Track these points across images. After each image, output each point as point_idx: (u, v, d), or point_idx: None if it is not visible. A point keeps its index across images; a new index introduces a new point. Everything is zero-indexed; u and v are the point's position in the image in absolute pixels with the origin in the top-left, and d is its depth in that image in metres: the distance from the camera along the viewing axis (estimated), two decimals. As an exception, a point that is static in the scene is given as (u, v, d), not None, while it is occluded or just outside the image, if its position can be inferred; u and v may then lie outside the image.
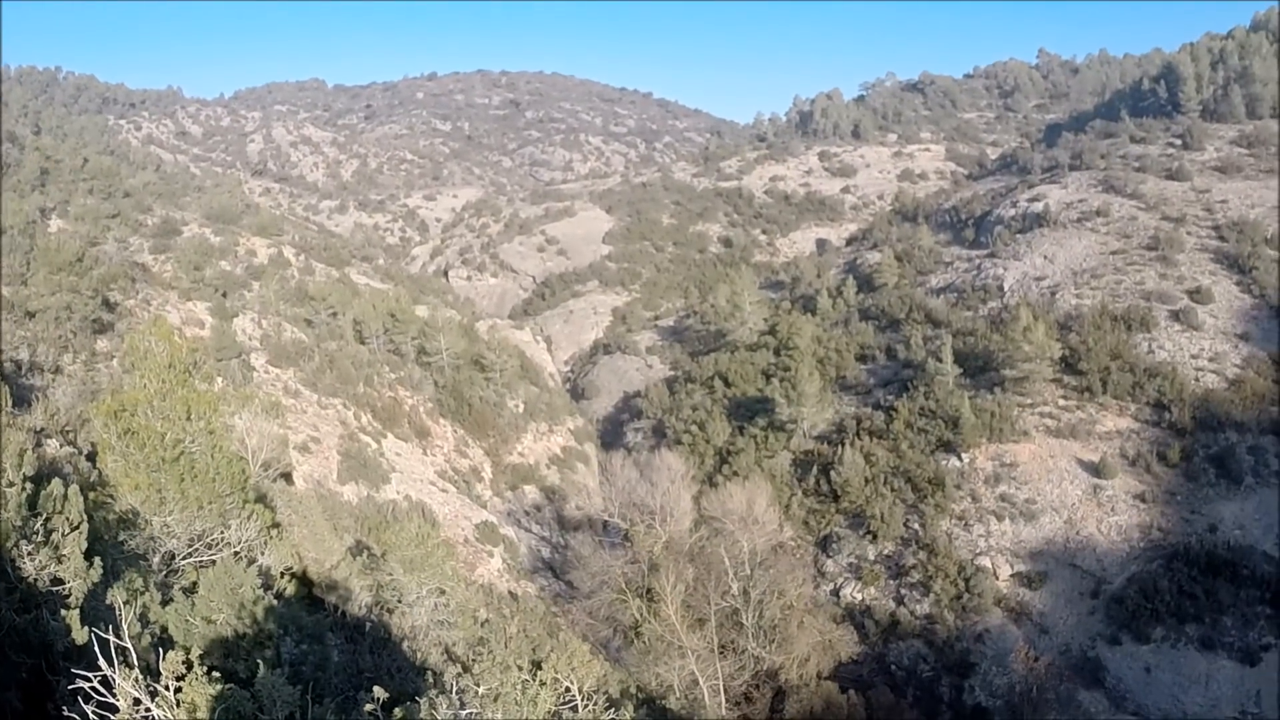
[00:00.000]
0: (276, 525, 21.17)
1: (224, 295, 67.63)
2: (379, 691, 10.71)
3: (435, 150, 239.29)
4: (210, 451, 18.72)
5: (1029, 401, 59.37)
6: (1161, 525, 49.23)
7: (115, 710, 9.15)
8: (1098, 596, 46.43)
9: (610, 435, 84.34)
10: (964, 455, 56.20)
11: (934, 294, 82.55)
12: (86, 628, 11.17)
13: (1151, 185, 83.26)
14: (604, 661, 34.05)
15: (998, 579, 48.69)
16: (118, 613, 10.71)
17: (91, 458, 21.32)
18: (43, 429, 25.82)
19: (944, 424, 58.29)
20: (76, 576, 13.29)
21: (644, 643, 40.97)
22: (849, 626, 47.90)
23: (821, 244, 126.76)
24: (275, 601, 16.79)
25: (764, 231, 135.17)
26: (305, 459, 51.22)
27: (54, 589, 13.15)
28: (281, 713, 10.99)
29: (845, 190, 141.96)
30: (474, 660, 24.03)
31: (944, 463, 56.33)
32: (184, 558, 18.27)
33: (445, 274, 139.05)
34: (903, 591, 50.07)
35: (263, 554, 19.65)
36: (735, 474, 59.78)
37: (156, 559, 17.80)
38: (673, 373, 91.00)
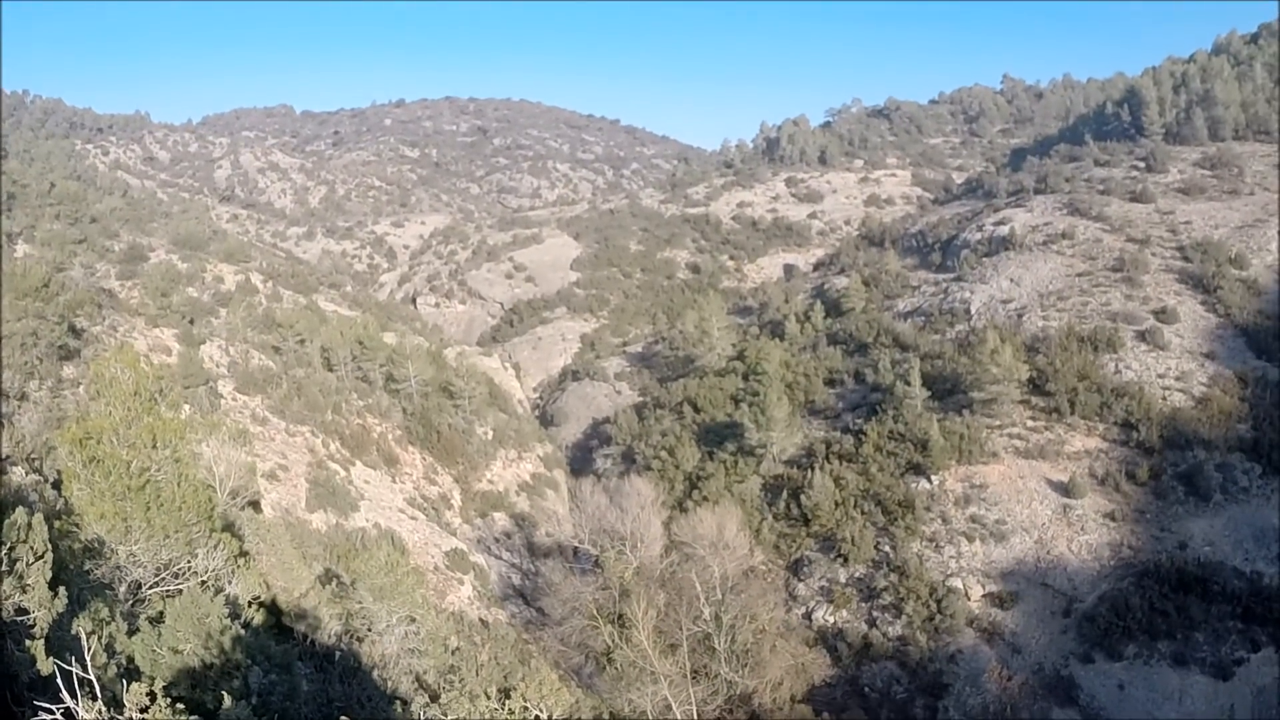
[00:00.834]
0: (244, 554, 20.97)
1: (191, 322, 67.07)
2: (349, 720, 10.58)
3: (403, 177, 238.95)
4: (177, 480, 18.55)
5: (998, 423, 59.69)
6: (1132, 543, 49.53)
7: (81, 742, 8.99)
8: (1070, 615, 46.60)
9: (580, 462, 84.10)
10: (934, 477, 56.39)
11: (901, 318, 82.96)
12: (51, 658, 11.00)
13: (1116, 207, 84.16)
14: (576, 688, 33.87)
15: (969, 600, 48.78)
16: (83, 643, 10.54)
17: (57, 485, 21.06)
18: (7, 456, 25.52)
19: (913, 447, 58.49)
20: (41, 606, 13.10)
21: (616, 669, 40.78)
22: (821, 649, 47.92)
23: (789, 269, 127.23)
24: (243, 631, 16.62)
25: (732, 257, 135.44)
26: (273, 487, 50.77)
27: (18, 619, 12.94)
28: (251, 743, 10.84)
29: (812, 216, 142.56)
30: (444, 689, 23.83)
31: (914, 485, 56.49)
32: (150, 587, 18.05)
33: (413, 301, 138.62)
34: (875, 614, 50.05)
35: (230, 583, 19.46)
36: (705, 499, 59.75)
37: (123, 588, 17.59)
38: (642, 399, 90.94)
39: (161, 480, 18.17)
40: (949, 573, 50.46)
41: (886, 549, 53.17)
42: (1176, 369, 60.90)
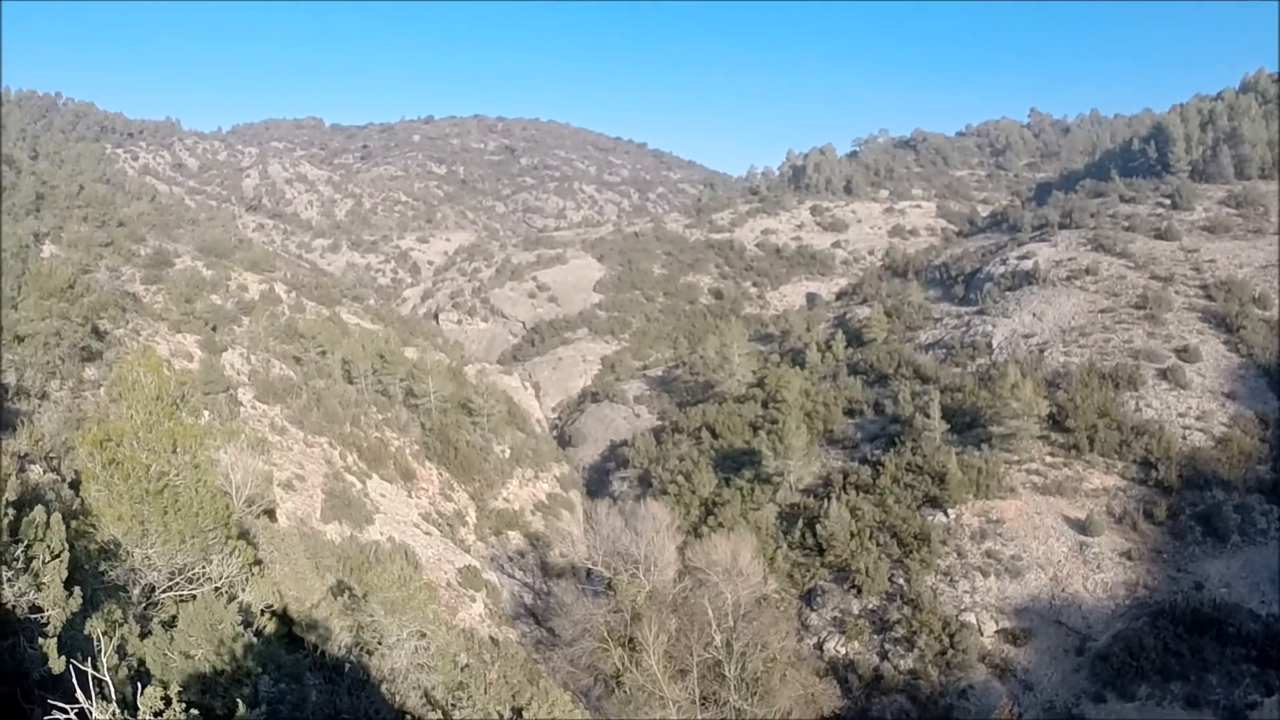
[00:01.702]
0: (258, 562, 20.99)
1: (214, 329, 67.44)
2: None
3: (429, 193, 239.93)
4: (194, 485, 18.58)
5: (1016, 458, 59.40)
6: (1147, 583, 49.16)
7: (90, 742, 8.99)
8: (1083, 654, 46.21)
9: (596, 483, 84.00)
10: (950, 511, 56.10)
11: (923, 350, 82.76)
12: (64, 657, 11.02)
13: (1140, 244, 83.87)
14: (584, 710, 33.70)
15: (982, 635, 48.44)
16: (96, 644, 10.56)
17: (75, 486, 21.15)
18: (27, 454, 25.64)
19: (931, 479, 58.22)
20: (55, 605, 13.14)
21: (625, 692, 40.57)
22: (832, 680, 47.55)
23: (812, 298, 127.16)
24: (254, 639, 16.61)
25: (754, 284, 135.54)
26: (289, 496, 50.88)
27: (32, 616, 12.98)
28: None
29: (836, 245, 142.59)
30: (453, 705, 23.77)
31: (930, 518, 56.20)
32: (164, 591, 18.08)
33: (435, 317, 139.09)
34: (887, 646, 49.75)
35: (243, 590, 19.46)
36: (720, 525, 59.55)
37: (136, 591, 17.62)
38: (660, 423, 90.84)
39: (179, 485, 18.21)
40: (963, 607, 50.14)
41: (900, 581, 52.88)
42: (1197, 408, 60.54)
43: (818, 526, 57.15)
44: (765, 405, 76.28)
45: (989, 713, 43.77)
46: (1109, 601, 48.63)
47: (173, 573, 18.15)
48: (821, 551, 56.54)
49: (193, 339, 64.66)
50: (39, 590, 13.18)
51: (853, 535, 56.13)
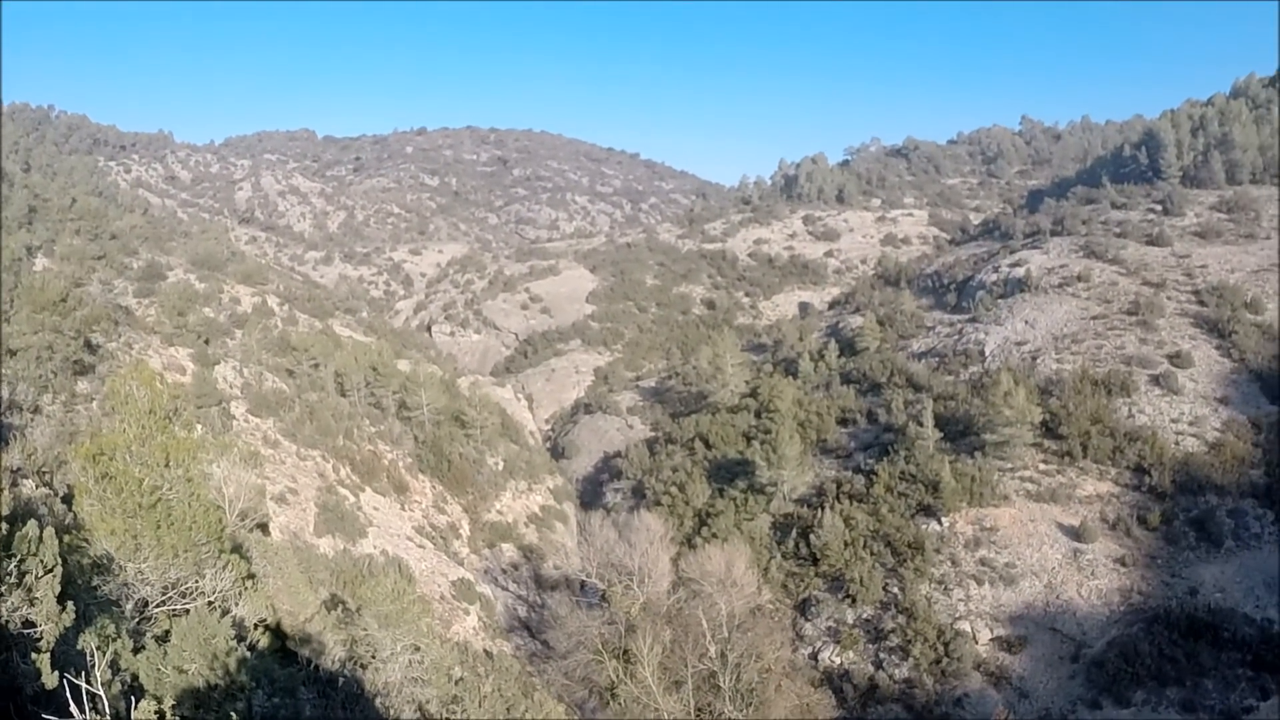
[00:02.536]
0: (251, 576, 20.96)
1: (206, 342, 67.37)
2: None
3: (422, 205, 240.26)
4: (188, 499, 18.57)
5: (1009, 466, 59.45)
6: (1142, 589, 49.20)
7: (84, 757, 8.98)
8: (1078, 660, 46.22)
9: (590, 495, 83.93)
10: (944, 519, 56.14)
11: (915, 358, 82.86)
12: (57, 672, 11.01)
13: (1132, 250, 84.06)
14: (579, 722, 33.68)
15: (977, 643, 48.44)
16: (89, 658, 10.56)
17: (68, 500, 21.12)
18: (19, 469, 25.59)
19: (924, 488, 58.24)
20: (49, 620, 13.11)
21: (620, 704, 40.54)
22: (827, 690, 47.54)
23: (804, 307, 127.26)
24: (248, 653, 16.61)
25: (747, 294, 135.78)
26: (282, 510, 50.81)
27: (25, 631, 12.96)
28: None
29: (829, 254, 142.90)
30: (447, 719, 23.70)
31: (924, 526, 56.22)
32: (157, 605, 18.05)
33: (429, 329, 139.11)
34: (882, 655, 49.74)
35: (237, 604, 19.44)
36: (714, 536, 59.49)
37: (130, 606, 17.59)
38: (653, 433, 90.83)
39: (172, 499, 18.20)
40: (957, 615, 50.15)
41: (895, 590, 52.88)
42: (1190, 414, 60.65)
43: (812, 536, 57.15)
44: (758, 415, 76.31)
45: (984, 721, 43.80)
46: (1104, 608, 48.66)
47: (166, 587, 18.13)
48: (816, 561, 56.52)
49: (185, 352, 64.60)
50: (32, 605, 13.16)
51: (847, 544, 56.12)
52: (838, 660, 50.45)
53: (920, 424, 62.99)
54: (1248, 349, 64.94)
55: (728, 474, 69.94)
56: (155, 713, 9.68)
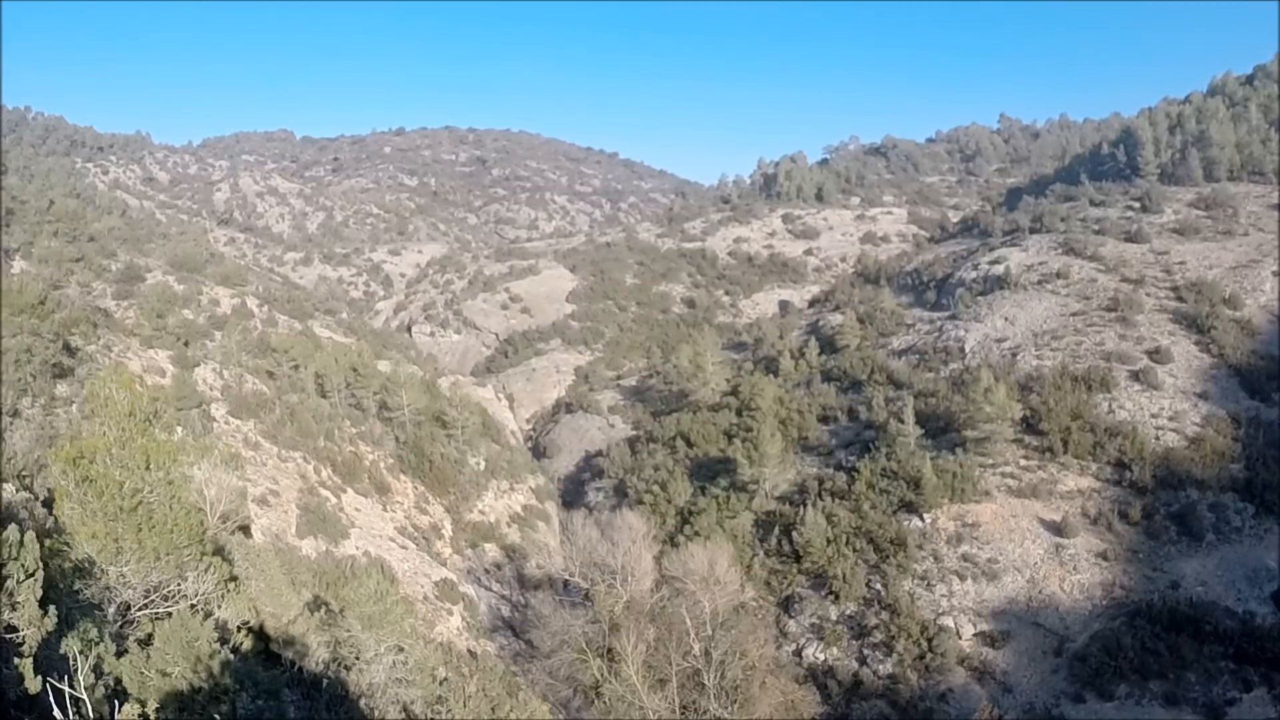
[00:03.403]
0: (234, 578, 20.88)
1: (186, 344, 67.01)
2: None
3: (401, 205, 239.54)
4: (169, 502, 18.48)
5: (990, 462, 59.69)
6: (1124, 583, 49.50)
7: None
8: (1061, 655, 46.44)
9: (572, 494, 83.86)
10: (926, 516, 56.31)
11: (896, 355, 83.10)
12: (40, 677, 10.93)
13: (1111, 247, 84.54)
14: (564, 721, 33.66)
15: (960, 638, 48.62)
16: (72, 663, 10.48)
17: (48, 504, 20.97)
18: (-2, 474, 25.40)
19: (906, 484, 58.39)
20: (30, 625, 13.02)
21: (604, 703, 40.53)
22: (812, 687, 47.59)
23: (784, 305, 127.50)
24: (232, 656, 16.53)
25: (727, 293, 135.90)
26: (264, 512, 50.55)
27: (7, 636, 12.86)
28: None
29: (808, 252, 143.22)
30: (432, 719, 23.64)
31: (906, 523, 56.38)
32: (140, 609, 17.95)
33: (409, 329, 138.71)
34: (865, 652, 49.87)
35: (220, 607, 19.36)
36: (697, 534, 59.50)
37: (112, 609, 17.49)
38: (635, 432, 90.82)
39: (154, 502, 18.10)
40: (940, 611, 50.31)
41: (878, 587, 53.01)
42: (1170, 409, 61.03)
43: (794, 533, 57.23)
44: (739, 413, 76.36)
45: (969, 715, 43.94)
46: (1086, 602, 48.92)
47: (148, 590, 18.04)
48: (798, 558, 56.59)
49: (165, 354, 64.23)
50: (13, 610, 13.06)
51: (829, 542, 56.21)
52: (822, 657, 50.55)
53: (901, 421, 63.16)
54: (1226, 344, 65.44)
55: (709, 472, 69.98)
56: (139, 716, 9.61)
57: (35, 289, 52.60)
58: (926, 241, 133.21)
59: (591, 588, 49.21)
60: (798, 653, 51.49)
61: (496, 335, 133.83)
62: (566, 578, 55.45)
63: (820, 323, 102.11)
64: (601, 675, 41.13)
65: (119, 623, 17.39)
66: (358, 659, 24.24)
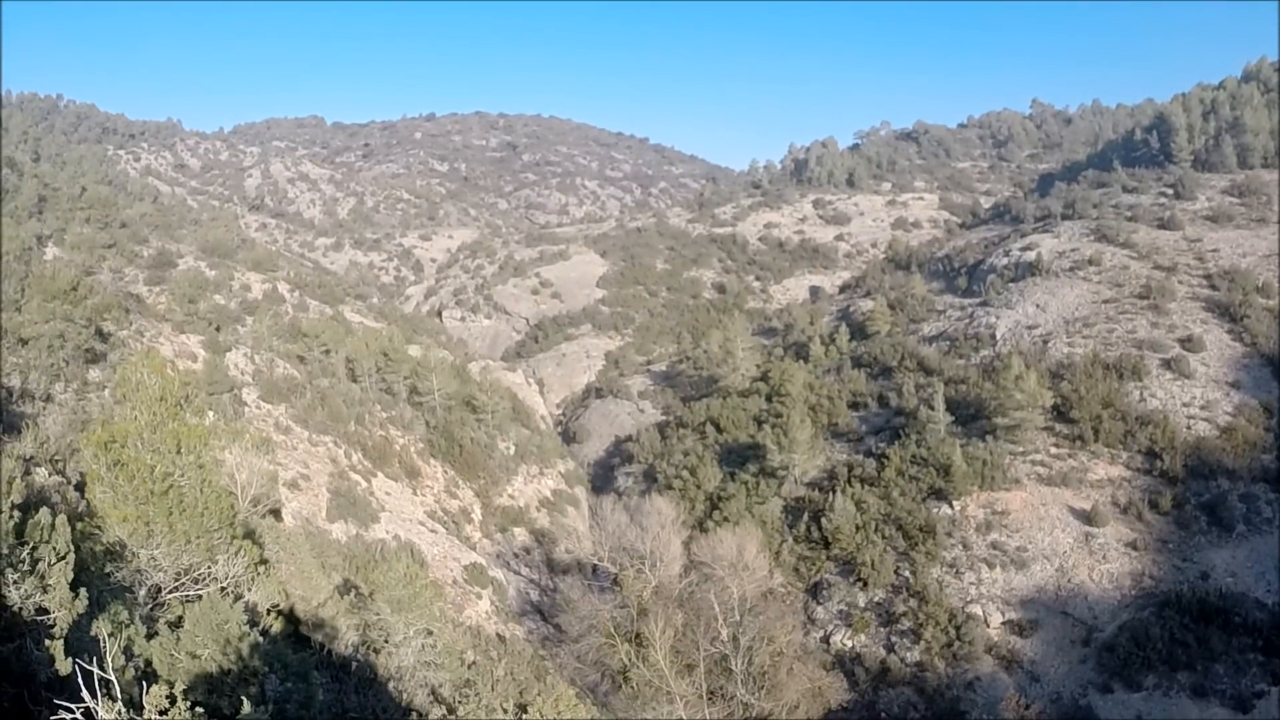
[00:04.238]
0: (264, 562, 21.03)
1: (217, 329, 67.52)
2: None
3: (432, 190, 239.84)
4: (199, 486, 18.61)
5: (1021, 449, 59.36)
6: (1153, 573, 49.12)
7: (98, 742, 9.02)
8: (1089, 644, 46.19)
9: (601, 479, 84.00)
10: (955, 503, 56.09)
11: (926, 342, 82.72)
12: (70, 659, 11.06)
13: (1143, 234, 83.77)
14: (591, 706, 33.75)
15: (989, 627, 48.43)
16: (102, 645, 10.59)
17: (80, 488, 21.19)
18: (32, 457, 25.69)
19: (935, 472, 58.15)
20: (62, 607, 13.17)
21: (632, 688, 40.67)
22: (839, 674, 47.59)
23: (815, 291, 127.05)
24: (261, 638, 16.65)
25: (757, 278, 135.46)
26: (294, 496, 50.91)
27: (38, 619, 13.02)
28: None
29: (839, 238, 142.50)
30: (460, 703, 23.80)
31: (935, 510, 56.18)
32: (170, 591, 18.12)
33: (439, 314, 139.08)
34: (893, 639, 49.76)
35: (249, 590, 19.50)
36: (726, 520, 59.50)
37: (142, 592, 17.66)
38: (664, 418, 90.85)
39: (184, 486, 18.24)
40: (969, 599, 50.14)
41: (906, 574, 52.88)
42: (1201, 398, 60.46)
43: (823, 520, 57.11)
44: (769, 399, 76.18)
45: (996, 704, 43.82)
46: (1115, 592, 48.61)
47: (178, 573, 18.20)
48: (827, 545, 56.50)
49: (196, 339, 64.73)
50: (45, 592, 13.22)
51: (858, 528, 56.09)
52: (849, 643, 50.48)
53: (931, 408, 62.89)
54: (1259, 333, 64.70)
55: (739, 458, 69.96)
56: (167, 697, 9.71)
57: (68, 275, 53.00)
58: (958, 227, 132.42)
59: (620, 572, 49.35)
60: (825, 639, 51.45)
61: (527, 320, 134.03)
62: (595, 562, 55.58)
63: (851, 308, 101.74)
64: (629, 660, 41.27)
65: (149, 605, 17.56)
66: (387, 642, 24.40)
